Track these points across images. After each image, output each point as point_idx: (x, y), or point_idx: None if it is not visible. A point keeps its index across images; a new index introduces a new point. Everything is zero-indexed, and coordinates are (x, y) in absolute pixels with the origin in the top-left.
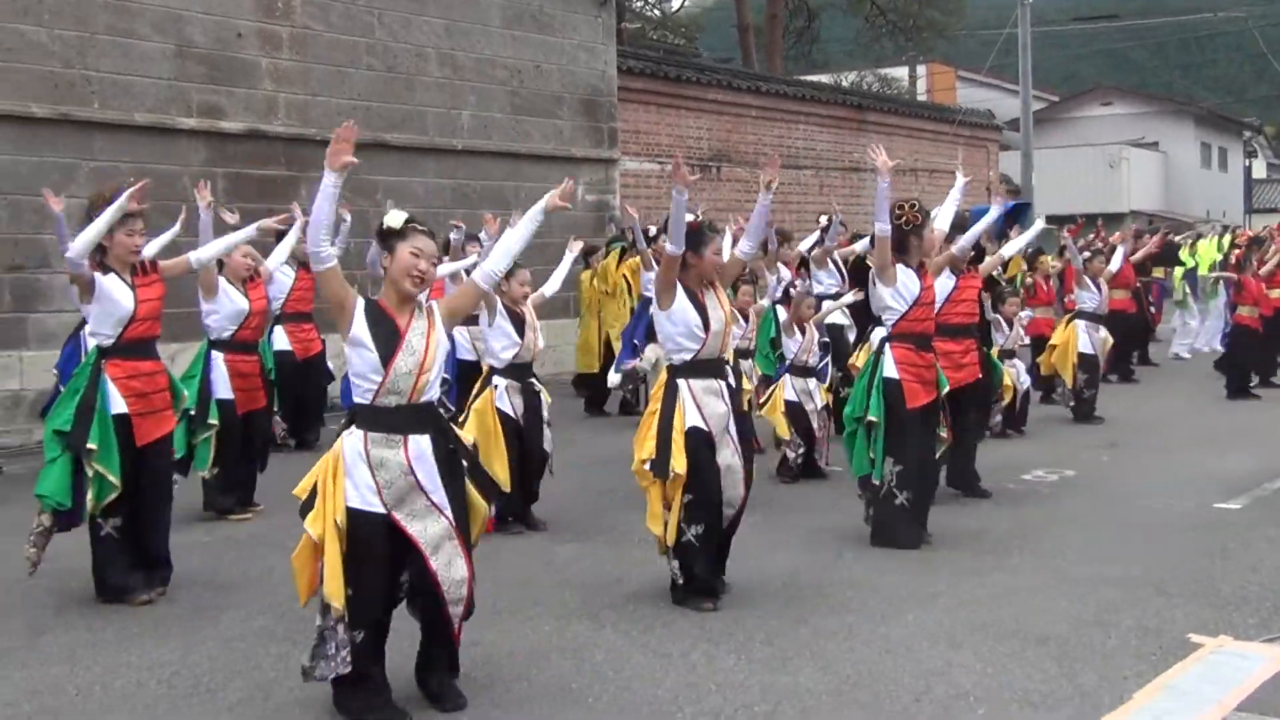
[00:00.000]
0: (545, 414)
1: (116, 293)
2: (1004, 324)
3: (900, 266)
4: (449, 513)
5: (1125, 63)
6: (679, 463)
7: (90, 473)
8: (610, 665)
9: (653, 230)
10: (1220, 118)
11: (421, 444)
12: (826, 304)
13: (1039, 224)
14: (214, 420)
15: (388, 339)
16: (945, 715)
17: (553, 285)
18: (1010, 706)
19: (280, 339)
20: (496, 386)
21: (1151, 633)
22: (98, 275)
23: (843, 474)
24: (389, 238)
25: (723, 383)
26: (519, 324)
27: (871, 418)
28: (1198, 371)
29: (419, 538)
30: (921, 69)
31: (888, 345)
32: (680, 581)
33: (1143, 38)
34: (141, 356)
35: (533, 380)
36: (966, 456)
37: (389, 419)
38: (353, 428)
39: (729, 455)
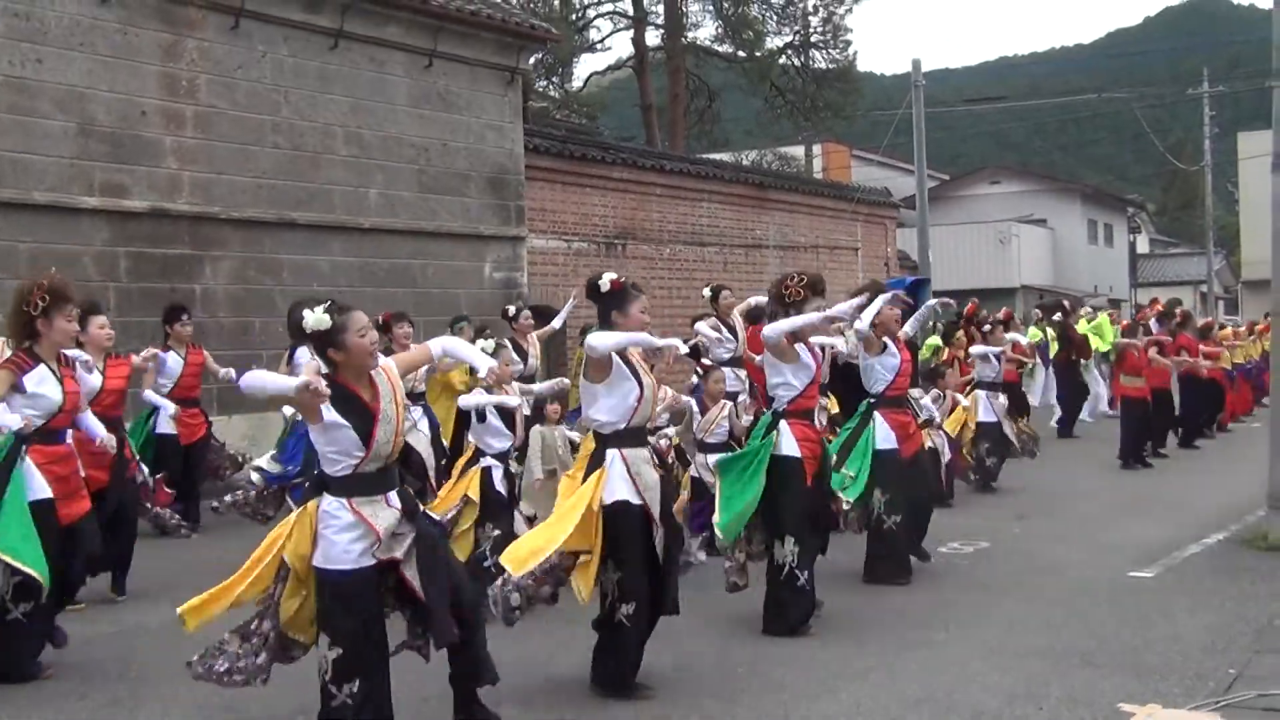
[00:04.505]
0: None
1: (45, 386)
2: (928, 397)
3: (800, 346)
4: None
5: (1009, 143)
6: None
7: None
8: None
9: (511, 309)
10: (1105, 195)
11: (396, 497)
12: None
13: (929, 304)
14: None
15: (361, 415)
16: None
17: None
18: None
19: (165, 422)
20: (488, 469)
21: (1082, 704)
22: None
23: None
24: (327, 339)
25: (651, 450)
26: (507, 414)
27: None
28: (1098, 440)
29: (411, 577)
30: (817, 148)
31: (784, 423)
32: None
33: (1025, 119)
34: (59, 442)
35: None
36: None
37: (372, 482)
38: (326, 495)
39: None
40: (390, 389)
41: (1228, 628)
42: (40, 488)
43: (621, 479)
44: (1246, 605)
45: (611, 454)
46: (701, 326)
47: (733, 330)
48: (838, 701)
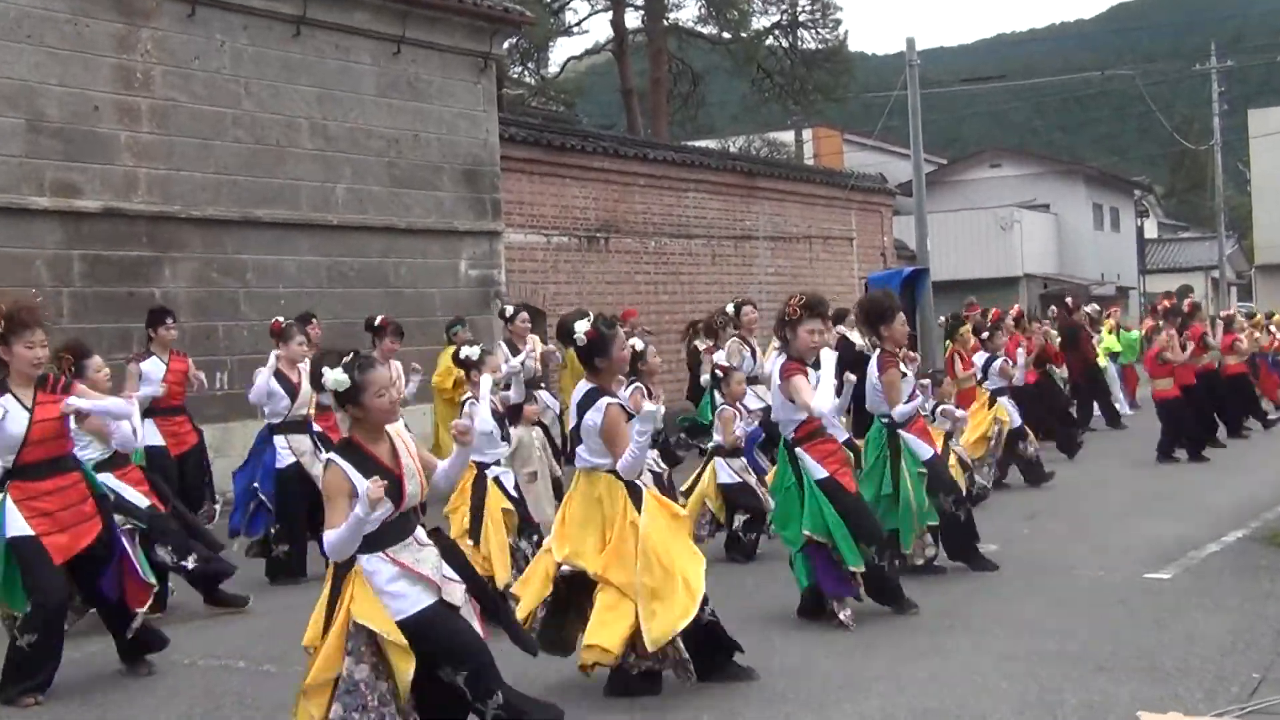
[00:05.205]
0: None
1: (7, 419)
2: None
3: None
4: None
5: (1008, 124)
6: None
7: None
8: None
9: (509, 310)
10: (1111, 177)
11: (421, 532)
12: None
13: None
14: None
15: (386, 479)
16: None
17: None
18: None
19: (152, 434)
20: (497, 478)
21: (1098, 711)
22: None
23: (764, 555)
24: (346, 397)
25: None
26: (500, 418)
27: (812, 534)
28: (1107, 437)
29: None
30: (808, 133)
31: (800, 450)
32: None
33: (1025, 99)
34: (45, 476)
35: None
36: None
37: (399, 528)
38: (359, 555)
39: None
40: (403, 445)
41: (1249, 629)
42: (18, 525)
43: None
44: (1268, 605)
45: (638, 484)
46: (719, 358)
47: (753, 349)
48: (842, 713)
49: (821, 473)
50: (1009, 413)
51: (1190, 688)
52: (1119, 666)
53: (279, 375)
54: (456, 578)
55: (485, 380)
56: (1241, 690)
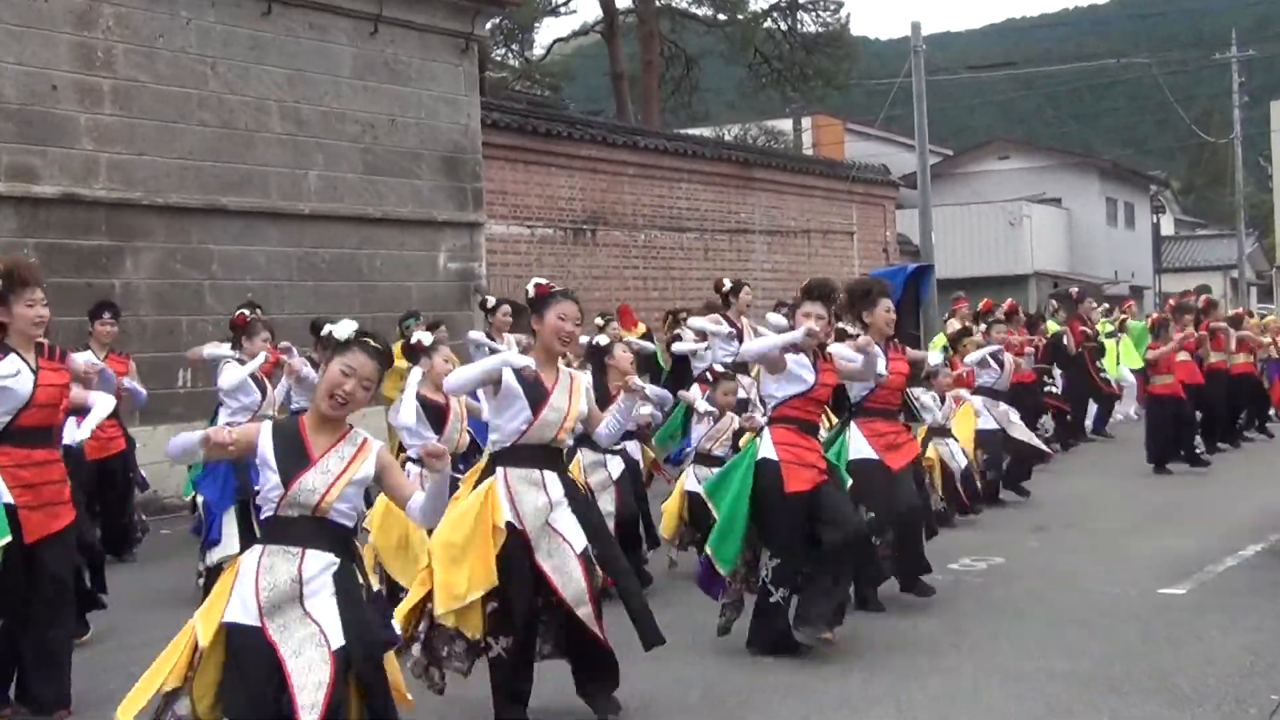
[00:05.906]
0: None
1: (12, 375)
2: (934, 401)
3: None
4: (325, 626)
5: (1018, 114)
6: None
7: None
8: None
9: (491, 301)
10: (1125, 171)
11: (321, 560)
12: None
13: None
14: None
15: (296, 459)
16: None
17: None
18: None
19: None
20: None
21: None
22: None
23: None
24: (332, 347)
25: (549, 472)
26: (438, 418)
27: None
28: (1119, 446)
29: (280, 645)
30: (807, 121)
31: (767, 428)
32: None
33: (1036, 88)
34: (34, 444)
35: (455, 476)
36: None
37: (290, 530)
38: (257, 544)
39: (556, 552)
40: (353, 453)
41: (1268, 648)
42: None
43: (503, 499)
44: None
45: (498, 470)
46: (698, 322)
47: (739, 331)
48: None
49: (769, 454)
50: (974, 412)
51: (1207, 710)
52: (1132, 687)
53: None
54: (299, 613)
55: (414, 374)
56: (1260, 713)
